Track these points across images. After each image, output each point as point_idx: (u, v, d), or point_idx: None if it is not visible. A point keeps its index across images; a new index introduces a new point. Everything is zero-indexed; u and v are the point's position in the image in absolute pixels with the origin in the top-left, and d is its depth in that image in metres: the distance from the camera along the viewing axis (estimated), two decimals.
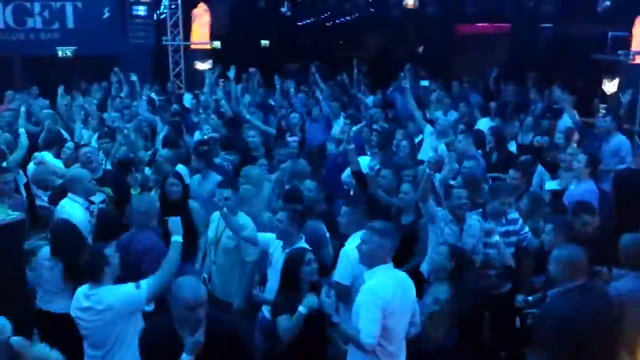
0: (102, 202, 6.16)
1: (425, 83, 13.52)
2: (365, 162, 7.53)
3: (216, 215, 5.87)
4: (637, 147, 9.84)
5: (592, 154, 7.28)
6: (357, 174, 6.68)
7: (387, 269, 4.24)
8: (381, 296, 4.07)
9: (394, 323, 4.14)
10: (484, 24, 18.85)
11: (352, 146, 6.71)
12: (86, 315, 4.17)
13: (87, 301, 4.18)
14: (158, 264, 4.39)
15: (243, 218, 5.71)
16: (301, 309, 4.32)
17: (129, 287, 4.21)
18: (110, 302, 4.12)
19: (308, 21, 19.70)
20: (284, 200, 5.98)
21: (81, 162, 6.87)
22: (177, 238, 4.48)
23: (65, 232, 5.09)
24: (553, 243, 5.03)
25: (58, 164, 7.56)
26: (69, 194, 5.90)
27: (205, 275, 5.84)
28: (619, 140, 8.51)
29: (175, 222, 4.56)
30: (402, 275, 4.33)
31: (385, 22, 18.65)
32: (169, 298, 3.73)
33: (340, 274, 4.94)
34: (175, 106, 11.16)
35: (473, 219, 5.76)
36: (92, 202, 6.09)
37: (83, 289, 4.26)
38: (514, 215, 5.84)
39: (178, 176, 6.46)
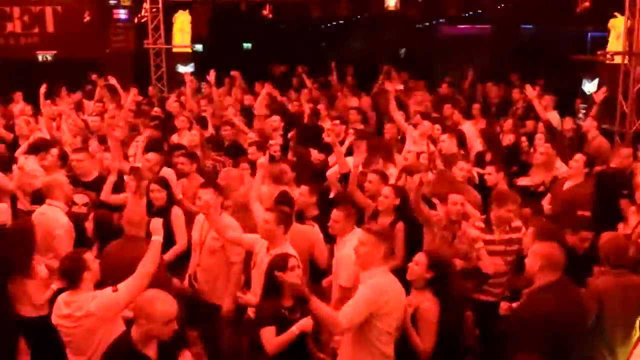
0: (85, 204, 6.08)
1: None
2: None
3: (200, 216, 5.86)
4: (618, 146, 9.92)
5: (589, 153, 7.32)
6: (346, 176, 6.70)
7: (384, 272, 4.26)
8: (377, 296, 4.11)
9: (389, 325, 4.17)
10: (466, 26, 18.95)
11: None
12: (66, 322, 4.12)
13: (66, 308, 4.13)
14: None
15: (227, 218, 5.71)
16: (294, 329, 4.32)
17: (107, 291, 4.15)
18: (89, 308, 4.05)
19: (291, 25, 19.69)
20: (275, 202, 5.95)
21: (72, 167, 6.86)
22: (156, 238, 4.43)
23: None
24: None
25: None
26: (48, 200, 5.83)
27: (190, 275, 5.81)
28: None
29: (156, 223, 4.52)
30: (394, 279, 4.33)
31: (368, 25, 18.71)
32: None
33: (344, 278, 5.01)
34: (156, 109, 11.12)
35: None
36: (75, 203, 6.04)
37: (63, 296, 4.22)
38: (518, 223, 5.78)
39: (162, 181, 6.43)
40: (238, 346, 5.58)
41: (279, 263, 4.48)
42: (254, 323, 4.63)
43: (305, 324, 4.35)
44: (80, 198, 6.11)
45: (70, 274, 4.20)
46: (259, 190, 5.99)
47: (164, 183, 6.33)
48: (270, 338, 4.31)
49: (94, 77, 12.22)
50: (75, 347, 4.17)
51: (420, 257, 4.60)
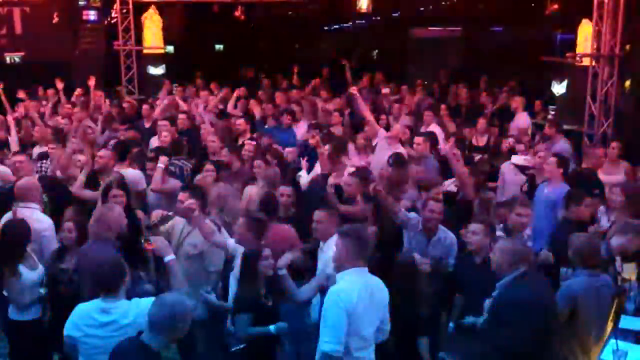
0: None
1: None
2: None
3: (178, 220, 5.83)
4: (586, 147, 10.08)
5: (560, 154, 7.40)
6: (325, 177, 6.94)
7: (357, 272, 4.20)
8: (345, 299, 4.04)
9: (361, 328, 4.12)
10: (437, 28, 19.09)
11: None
12: (103, 331, 3.90)
13: (106, 316, 3.93)
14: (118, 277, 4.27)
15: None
16: (272, 328, 4.51)
17: (149, 303, 3.92)
18: (135, 317, 3.89)
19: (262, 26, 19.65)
20: (259, 204, 6.00)
21: (13, 170, 6.81)
22: (170, 258, 4.42)
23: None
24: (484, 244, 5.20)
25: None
26: (22, 203, 5.72)
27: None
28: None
29: (160, 242, 4.53)
30: (374, 281, 4.28)
31: (341, 25, 18.75)
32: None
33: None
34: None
35: (448, 233, 5.81)
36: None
37: (95, 304, 4.00)
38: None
39: (122, 183, 6.26)
40: (213, 351, 5.53)
41: (254, 253, 4.71)
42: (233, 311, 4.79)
43: (281, 327, 4.50)
44: None
45: (112, 280, 4.00)
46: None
47: (123, 185, 6.19)
48: (242, 326, 4.49)
49: (59, 85, 11.97)
50: (100, 358, 3.89)
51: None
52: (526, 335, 4.17)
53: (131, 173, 7.13)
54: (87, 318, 3.96)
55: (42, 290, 5.05)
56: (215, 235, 5.45)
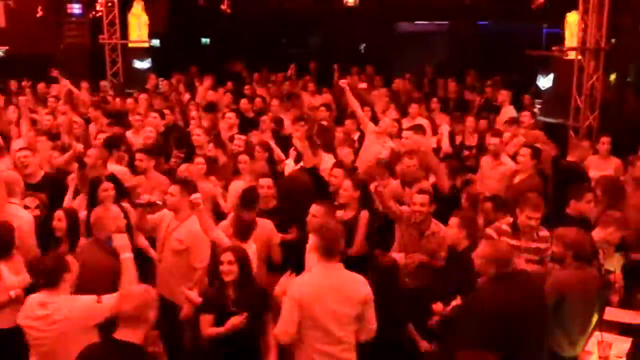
0: (36, 207, 5.92)
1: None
2: None
3: (166, 213, 5.84)
4: (577, 140, 10.12)
5: (533, 146, 7.43)
6: (312, 172, 6.86)
7: (324, 267, 4.21)
8: (299, 291, 4.13)
9: (322, 322, 4.12)
10: (424, 22, 19.09)
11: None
12: (40, 324, 3.97)
13: (42, 309, 3.98)
14: (104, 280, 4.28)
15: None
16: (228, 324, 4.47)
17: (91, 300, 4.04)
18: (68, 312, 3.94)
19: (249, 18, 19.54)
20: (240, 197, 6.02)
21: (17, 167, 6.66)
22: (126, 255, 4.39)
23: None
24: (456, 238, 5.22)
25: None
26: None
27: None
28: None
29: (121, 240, 4.48)
30: (345, 277, 4.26)
31: (327, 20, 18.67)
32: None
33: None
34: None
35: (441, 227, 5.80)
36: (27, 207, 5.87)
37: (38, 297, 4.06)
38: (545, 232, 5.50)
39: (113, 179, 6.30)
40: (199, 346, 5.51)
41: (217, 254, 4.76)
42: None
43: (235, 322, 4.45)
44: (31, 201, 5.92)
45: (50, 274, 4.05)
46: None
47: (113, 180, 6.21)
48: (205, 326, 4.52)
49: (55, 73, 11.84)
50: (44, 352, 4.03)
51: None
52: (492, 342, 4.12)
53: (117, 169, 7.10)
54: (28, 309, 4.05)
55: (12, 293, 4.86)
56: (215, 233, 5.43)
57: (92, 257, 4.75)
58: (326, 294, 4.12)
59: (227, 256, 4.60)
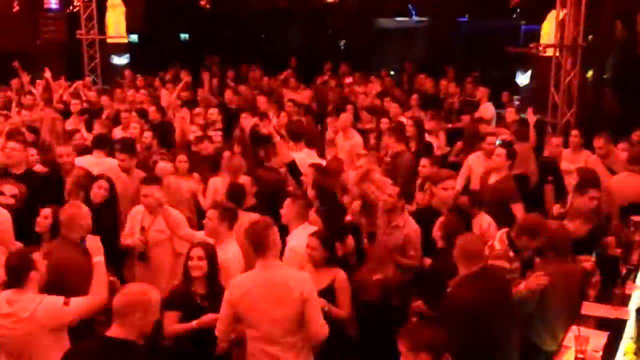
0: (13, 195, 5.80)
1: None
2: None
3: (139, 208, 5.81)
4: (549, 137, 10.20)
5: (509, 145, 7.49)
6: (290, 166, 6.81)
7: (261, 266, 4.14)
8: (232, 290, 4.11)
9: (256, 322, 4.07)
10: (403, 18, 19.16)
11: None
12: (6, 322, 3.93)
13: (8, 307, 3.94)
14: (76, 281, 4.24)
15: (174, 212, 5.65)
16: (194, 323, 4.42)
17: (57, 300, 3.98)
18: (34, 312, 3.90)
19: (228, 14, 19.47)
20: (226, 193, 5.99)
21: (5, 157, 6.57)
22: (98, 259, 4.29)
23: None
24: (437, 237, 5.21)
25: None
26: None
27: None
28: None
29: (93, 242, 4.39)
30: (282, 277, 4.10)
31: (306, 17, 18.66)
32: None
33: None
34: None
35: (410, 223, 5.84)
36: (2, 193, 5.76)
37: (5, 294, 4.02)
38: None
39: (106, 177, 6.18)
40: (180, 341, 5.48)
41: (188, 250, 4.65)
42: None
43: (206, 320, 4.39)
44: (9, 189, 5.77)
45: (16, 272, 4.01)
46: None
47: (105, 178, 6.08)
48: (169, 323, 4.42)
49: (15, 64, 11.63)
50: (8, 350, 4.00)
51: (312, 241, 4.79)
52: (465, 342, 3.99)
53: (108, 164, 6.98)
54: None
55: None
56: (182, 229, 5.41)
57: (64, 257, 4.65)
58: (256, 292, 4.05)
59: (197, 251, 4.56)
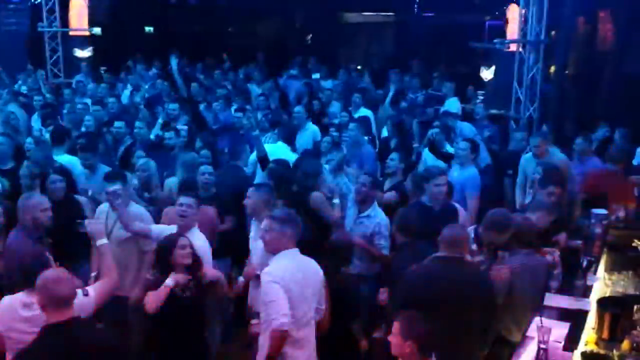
0: None
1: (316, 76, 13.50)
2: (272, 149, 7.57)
3: (104, 207, 5.76)
4: (513, 131, 10.34)
5: (472, 139, 7.60)
6: (263, 160, 6.91)
7: (289, 254, 4.30)
8: (279, 277, 4.13)
9: (294, 307, 4.15)
10: (370, 13, 19.19)
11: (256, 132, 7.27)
12: (27, 326, 3.75)
13: (27, 310, 3.80)
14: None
15: (135, 208, 5.66)
16: (168, 281, 4.47)
17: (78, 294, 3.82)
18: None
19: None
20: (180, 190, 5.99)
21: None
22: (102, 242, 4.34)
23: None
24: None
25: None
26: None
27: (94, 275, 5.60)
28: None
29: (95, 227, 4.45)
30: (306, 261, 4.38)
31: (274, 10, 18.57)
32: None
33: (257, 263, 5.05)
34: (48, 96, 10.69)
35: (380, 215, 5.94)
36: None
37: (19, 297, 3.86)
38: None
39: (62, 171, 6.16)
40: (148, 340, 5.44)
41: (169, 241, 4.68)
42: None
43: (178, 278, 4.50)
44: None
45: (31, 273, 3.75)
46: None
47: (63, 173, 6.06)
48: (148, 301, 4.49)
49: None
50: None
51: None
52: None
53: (68, 159, 6.97)
54: (11, 311, 3.84)
55: None
56: (136, 225, 5.39)
57: (22, 248, 4.60)
58: (298, 279, 4.22)
59: (184, 240, 4.68)
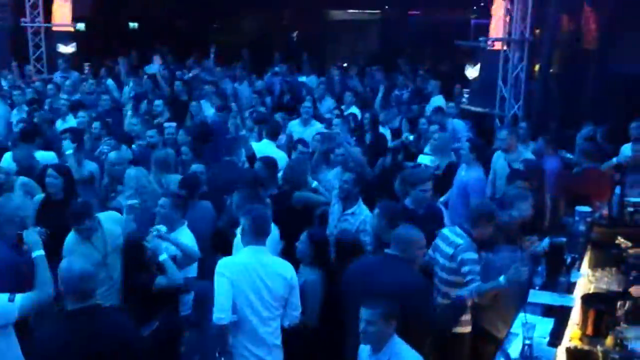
0: None
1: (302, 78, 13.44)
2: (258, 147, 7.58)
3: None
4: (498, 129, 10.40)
5: (473, 139, 7.60)
6: (251, 159, 6.99)
7: (251, 250, 4.27)
8: (226, 271, 4.16)
9: (242, 304, 4.15)
10: (356, 10, 19.21)
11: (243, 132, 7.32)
12: None
13: None
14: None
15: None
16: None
17: (2, 297, 3.81)
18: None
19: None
20: (179, 186, 6.04)
21: None
22: (38, 253, 4.12)
23: None
24: (378, 227, 5.27)
25: None
26: None
27: None
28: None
29: (32, 236, 4.23)
30: (271, 261, 4.31)
31: (260, 6, 18.53)
32: None
33: None
34: (29, 91, 10.60)
35: (363, 211, 5.92)
36: None
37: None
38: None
39: (59, 168, 6.01)
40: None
41: (136, 239, 4.80)
42: None
43: (160, 280, 4.64)
44: None
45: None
46: None
47: (61, 170, 5.90)
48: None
49: None
50: None
51: (303, 235, 4.97)
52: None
53: (41, 155, 6.93)
54: None
55: None
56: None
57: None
58: (252, 277, 4.20)
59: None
